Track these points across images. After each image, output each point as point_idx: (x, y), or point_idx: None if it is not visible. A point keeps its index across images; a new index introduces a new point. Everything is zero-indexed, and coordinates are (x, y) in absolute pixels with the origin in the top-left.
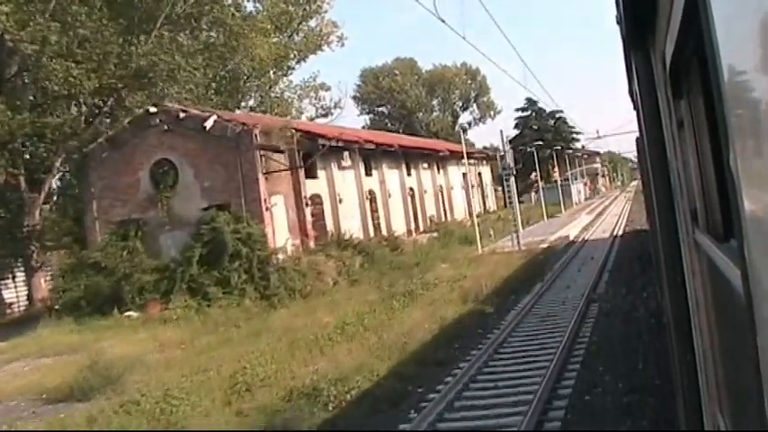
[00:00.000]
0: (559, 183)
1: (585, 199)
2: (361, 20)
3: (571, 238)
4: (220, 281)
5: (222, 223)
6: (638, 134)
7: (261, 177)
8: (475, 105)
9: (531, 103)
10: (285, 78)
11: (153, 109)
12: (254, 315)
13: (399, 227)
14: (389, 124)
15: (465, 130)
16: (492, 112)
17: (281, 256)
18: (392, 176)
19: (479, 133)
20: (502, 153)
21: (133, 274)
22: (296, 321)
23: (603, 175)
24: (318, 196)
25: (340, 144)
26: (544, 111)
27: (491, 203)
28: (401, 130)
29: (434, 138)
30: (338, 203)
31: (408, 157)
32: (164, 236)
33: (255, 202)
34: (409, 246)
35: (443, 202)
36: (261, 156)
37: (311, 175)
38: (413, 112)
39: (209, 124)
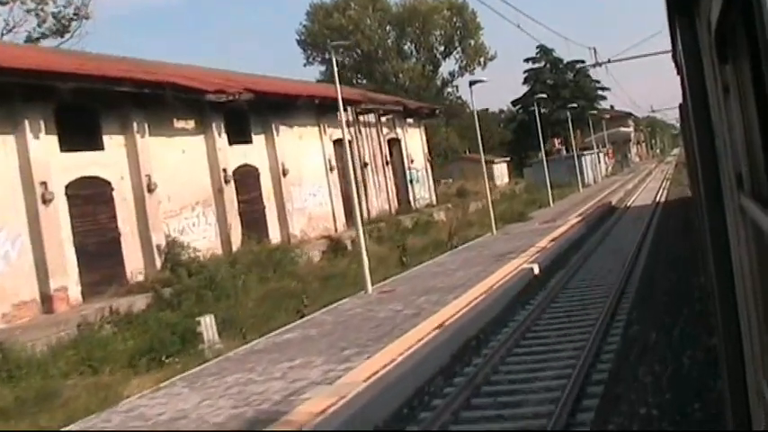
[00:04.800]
0: (545, 158)
1: (607, 175)
2: None
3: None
4: None
5: None
6: (681, 101)
7: None
8: (460, 49)
9: (544, 52)
10: None
11: None
12: None
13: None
14: (352, 78)
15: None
16: (482, 59)
17: None
18: None
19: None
20: None
21: None
22: None
23: (638, 142)
24: None
25: None
26: (561, 61)
27: (426, 194)
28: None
29: (403, 95)
30: None
31: (94, 112)
32: None
33: None
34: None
35: (247, 209)
36: None
37: None
38: (378, 60)
39: None
